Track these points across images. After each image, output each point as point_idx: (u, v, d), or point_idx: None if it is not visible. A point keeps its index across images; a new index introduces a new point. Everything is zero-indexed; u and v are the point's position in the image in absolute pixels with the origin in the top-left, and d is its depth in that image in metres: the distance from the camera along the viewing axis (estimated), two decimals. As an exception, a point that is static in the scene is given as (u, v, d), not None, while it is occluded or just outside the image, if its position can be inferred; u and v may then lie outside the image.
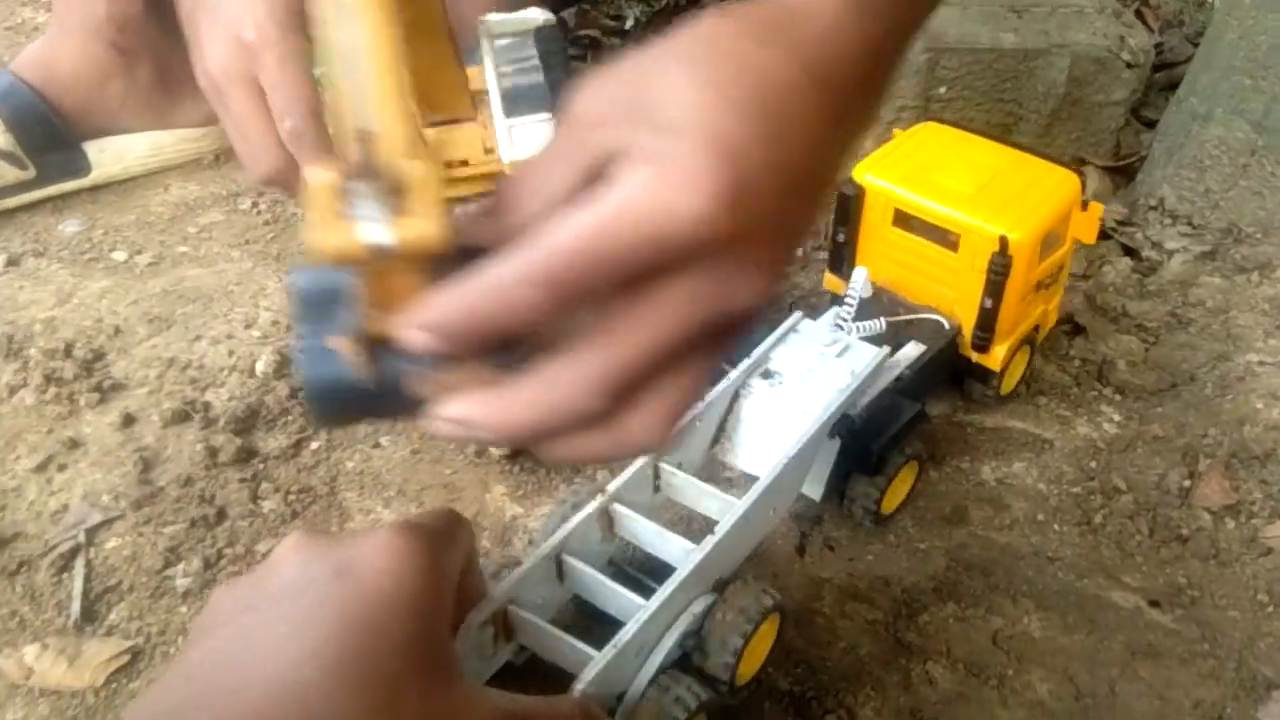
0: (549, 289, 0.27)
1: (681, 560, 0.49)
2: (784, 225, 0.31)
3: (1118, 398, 0.77)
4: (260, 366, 0.73)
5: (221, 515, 0.62)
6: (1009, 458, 0.72)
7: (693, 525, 0.60)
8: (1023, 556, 0.65)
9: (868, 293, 0.70)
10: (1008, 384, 0.74)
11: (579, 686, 0.43)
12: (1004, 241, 0.65)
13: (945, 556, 0.65)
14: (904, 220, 0.70)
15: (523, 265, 0.27)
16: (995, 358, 0.71)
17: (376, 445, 0.68)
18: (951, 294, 0.70)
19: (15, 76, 0.87)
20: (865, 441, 0.61)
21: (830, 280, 0.77)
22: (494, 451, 0.66)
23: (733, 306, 0.30)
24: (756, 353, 0.63)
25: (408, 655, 0.33)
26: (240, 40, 0.52)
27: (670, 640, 0.49)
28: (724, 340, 0.31)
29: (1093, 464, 0.72)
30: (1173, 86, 1.02)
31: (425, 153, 0.28)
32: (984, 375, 0.72)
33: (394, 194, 0.27)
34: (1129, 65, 1.05)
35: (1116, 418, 0.75)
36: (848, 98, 0.32)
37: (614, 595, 0.49)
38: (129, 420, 0.68)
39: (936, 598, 0.62)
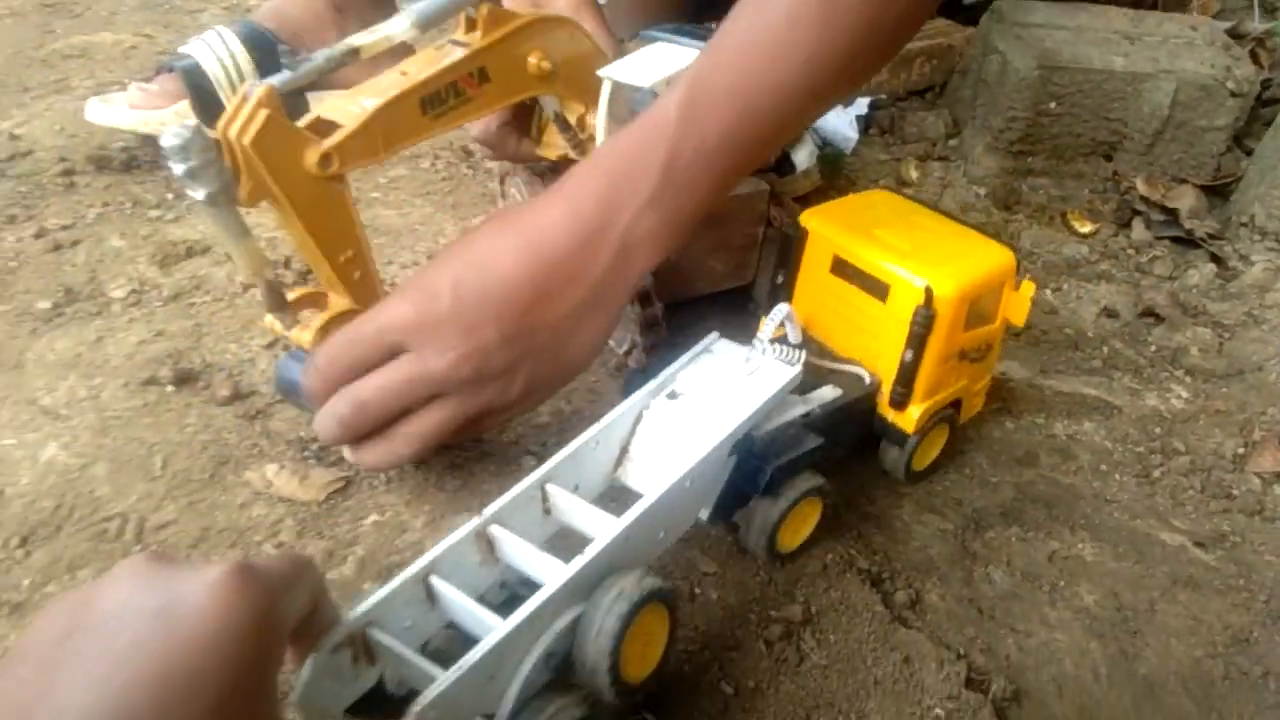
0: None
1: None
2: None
3: (1187, 379, 0.85)
4: (441, 287, 0.87)
5: (411, 393, 0.76)
6: (1080, 418, 0.81)
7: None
8: (1083, 497, 0.75)
9: (796, 338, 0.69)
10: (921, 459, 0.72)
11: (415, 709, 0.40)
12: (929, 293, 0.63)
13: (1014, 489, 0.75)
14: (841, 268, 0.69)
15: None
16: (910, 418, 0.68)
17: (534, 355, 0.82)
18: (876, 346, 0.68)
19: (256, 21, 1.05)
20: (761, 461, 0.59)
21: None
22: (632, 365, 0.79)
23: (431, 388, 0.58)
24: (664, 374, 0.61)
25: (219, 708, 0.32)
26: None
27: (533, 660, 0.45)
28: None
29: (1157, 429, 0.80)
30: (1276, 118, 1.09)
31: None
32: (900, 439, 0.70)
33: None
34: (1233, 94, 1.12)
35: (1184, 395, 0.84)
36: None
37: (478, 619, 0.45)
38: (337, 318, 0.83)
39: (1002, 520, 0.72)
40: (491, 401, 0.59)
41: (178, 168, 0.52)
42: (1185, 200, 1.08)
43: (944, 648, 0.61)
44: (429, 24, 0.62)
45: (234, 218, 0.56)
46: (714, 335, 0.65)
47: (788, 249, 0.71)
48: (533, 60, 0.69)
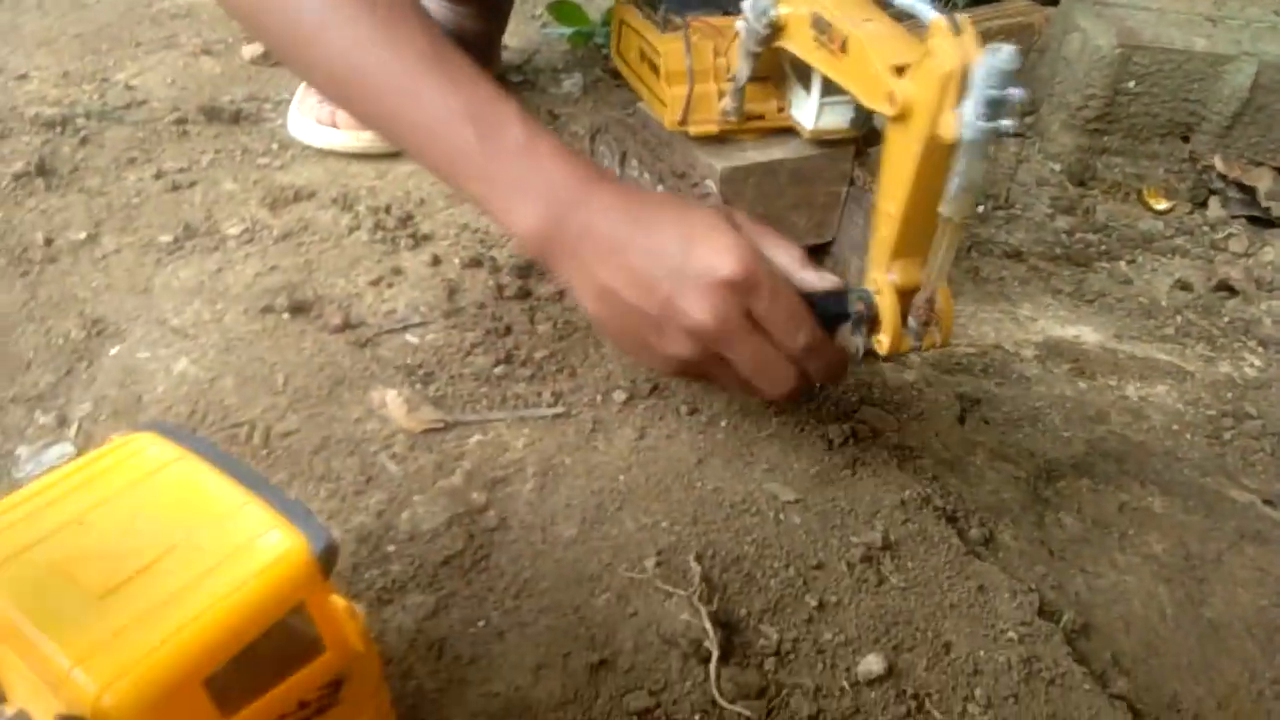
0: None
1: None
2: None
3: (1260, 349, 0.87)
4: (534, 236, 0.91)
5: (508, 329, 0.80)
6: (1153, 381, 0.83)
7: None
8: (1154, 454, 0.77)
9: None
10: None
11: None
12: None
13: (1085, 445, 0.77)
14: None
15: None
16: None
17: (622, 301, 0.85)
18: None
19: None
20: None
21: None
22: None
23: None
24: None
25: None
26: (725, 283, 0.57)
27: None
28: None
29: (1229, 394, 0.82)
30: (1359, 102, 1.09)
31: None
32: None
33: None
34: (1316, 77, 1.12)
35: (1257, 363, 0.85)
36: None
37: None
38: (436, 260, 0.88)
39: (1074, 471, 0.74)
40: None
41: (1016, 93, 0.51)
42: (1263, 181, 1.09)
43: (1016, 581, 0.63)
44: None
45: None
46: None
47: None
48: None
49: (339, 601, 0.41)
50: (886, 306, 0.61)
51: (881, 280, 0.62)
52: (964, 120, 0.52)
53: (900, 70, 0.58)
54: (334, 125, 1.03)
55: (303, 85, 1.08)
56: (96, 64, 1.20)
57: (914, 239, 0.60)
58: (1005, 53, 0.49)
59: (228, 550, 0.38)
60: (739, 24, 0.75)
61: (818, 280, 0.62)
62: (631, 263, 0.59)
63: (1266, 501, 0.73)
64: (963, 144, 0.53)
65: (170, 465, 0.42)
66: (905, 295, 0.61)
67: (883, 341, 0.62)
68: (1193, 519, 0.71)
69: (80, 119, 1.07)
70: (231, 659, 0.36)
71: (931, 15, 0.55)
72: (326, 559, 0.39)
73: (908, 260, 0.61)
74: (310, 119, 1.04)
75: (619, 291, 0.59)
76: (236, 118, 1.10)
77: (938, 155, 0.55)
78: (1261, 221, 1.05)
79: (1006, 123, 0.51)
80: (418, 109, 0.62)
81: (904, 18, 0.62)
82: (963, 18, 0.53)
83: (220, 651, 0.36)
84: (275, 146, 1.06)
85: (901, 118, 0.57)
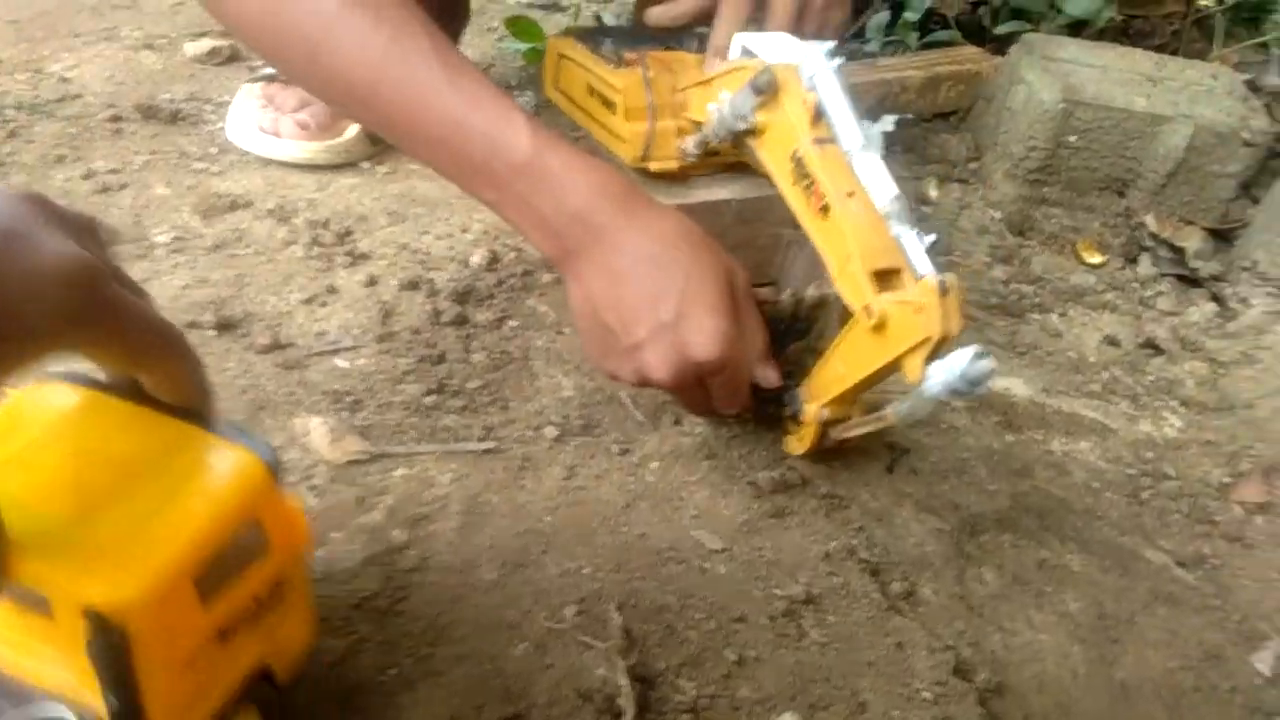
0: None
1: None
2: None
3: (1181, 409, 0.89)
4: (474, 260, 0.90)
5: (442, 358, 0.79)
6: (1077, 437, 0.85)
7: None
8: (1075, 511, 0.78)
9: None
10: None
11: None
12: (98, 619, 0.37)
13: (1009, 499, 0.78)
14: None
15: None
16: None
17: (560, 333, 0.85)
18: (71, 676, 0.40)
19: None
20: None
21: None
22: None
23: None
24: None
25: None
26: (694, 363, 0.63)
27: None
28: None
29: (1149, 454, 0.84)
30: (1286, 171, 1.13)
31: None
32: None
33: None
34: (1246, 144, 1.16)
35: (1177, 424, 0.88)
36: None
37: None
38: (372, 281, 0.86)
39: (997, 526, 0.75)
40: None
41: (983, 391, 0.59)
42: (1192, 241, 1.12)
43: (934, 638, 0.64)
44: None
45: None
46: None
47: None
48: None
49: (288, 500, 0.45)
50: (808, 431, 0.71)
51: (812, 412, 0.70)
52: (927, 380, 0.59)
53: (879, 275, 0.62)
54: (277, 134, 1.01)
55: (244, 88, 1.06)
56: (30, 53, 1.16)
57: (855, 394, 0.69)
58: (983, 365, 0.56)
59: (185, 470, 0.42)
60: (711, 107, 0.75)
61: (762, 380, 0.69)
62: (622, 297, 0.63)
63: (1180, 564, 0.75)
64: (920, 390, 0.60)
65: (94, 405, 0.44)
66: (828, 424, 0.70)
67: (792, 446, 0.74)
68: (1108, 578, 0.73)
69: (10, 110, 1.03)
70: (199, 571, 0.40)
71: (925, 271, 0.60)
72: (275, 467, 0.44)
73: (843, 404, 0.70)
74: (252, 125, 1.02)
75: (600, 310, 0.65)
76: (174, 118, 1.07)
77: (898, 363, 0.62)
78: (1189, 280, 1.07)
79: (963, 399, 0.59)
80: (429, 122, 0.63)
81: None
82: (950, 278, 0.58)
83: (204, 554, 0.40)
84: (214, 151, 1.04)
85: (874, 330, 0.62)
